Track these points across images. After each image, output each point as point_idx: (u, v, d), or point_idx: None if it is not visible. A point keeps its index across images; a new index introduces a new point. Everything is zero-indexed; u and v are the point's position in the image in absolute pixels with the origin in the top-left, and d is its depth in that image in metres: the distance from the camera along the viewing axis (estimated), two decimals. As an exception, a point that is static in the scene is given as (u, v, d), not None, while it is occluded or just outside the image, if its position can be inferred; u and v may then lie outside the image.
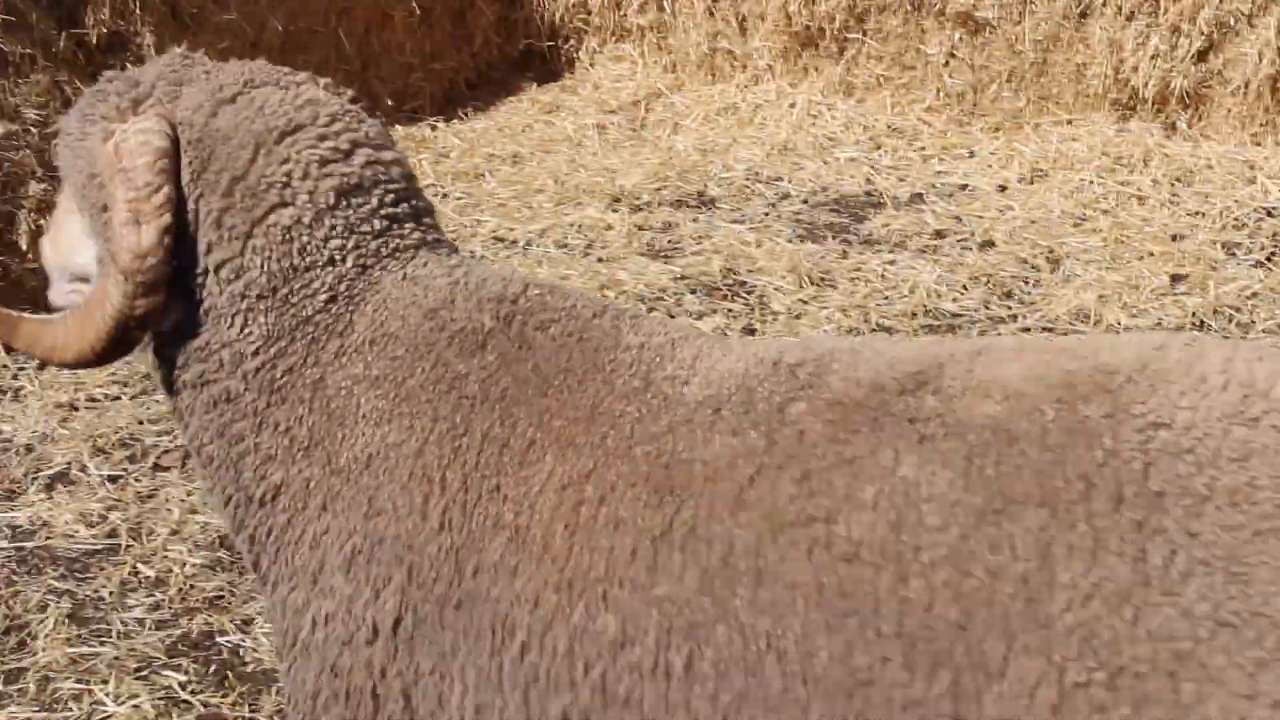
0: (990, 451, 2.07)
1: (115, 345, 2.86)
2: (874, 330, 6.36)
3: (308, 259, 2.77)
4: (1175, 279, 6.62)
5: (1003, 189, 7.89)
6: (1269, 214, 7.23)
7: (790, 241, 7.39)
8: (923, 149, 8.55)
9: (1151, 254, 6.87)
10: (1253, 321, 6.19)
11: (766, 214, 7.85)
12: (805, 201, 7.99)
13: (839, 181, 8.22)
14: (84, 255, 2.97)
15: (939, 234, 7.38)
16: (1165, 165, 7.85)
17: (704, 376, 2.45)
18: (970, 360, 2.23)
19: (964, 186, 7.98)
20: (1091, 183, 7.76)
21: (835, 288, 6.83)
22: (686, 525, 2.28)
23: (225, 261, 2.79)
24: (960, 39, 8.68)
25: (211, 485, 2.92)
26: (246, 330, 2.80)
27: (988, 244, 7.22)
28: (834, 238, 7.42)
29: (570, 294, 2.71)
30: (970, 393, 2.15)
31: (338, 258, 2.77)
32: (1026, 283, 6.75)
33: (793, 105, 9.19)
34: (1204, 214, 7.28)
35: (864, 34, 9.04)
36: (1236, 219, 7.21)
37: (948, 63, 8.78)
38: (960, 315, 6.47)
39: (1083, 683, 1.95)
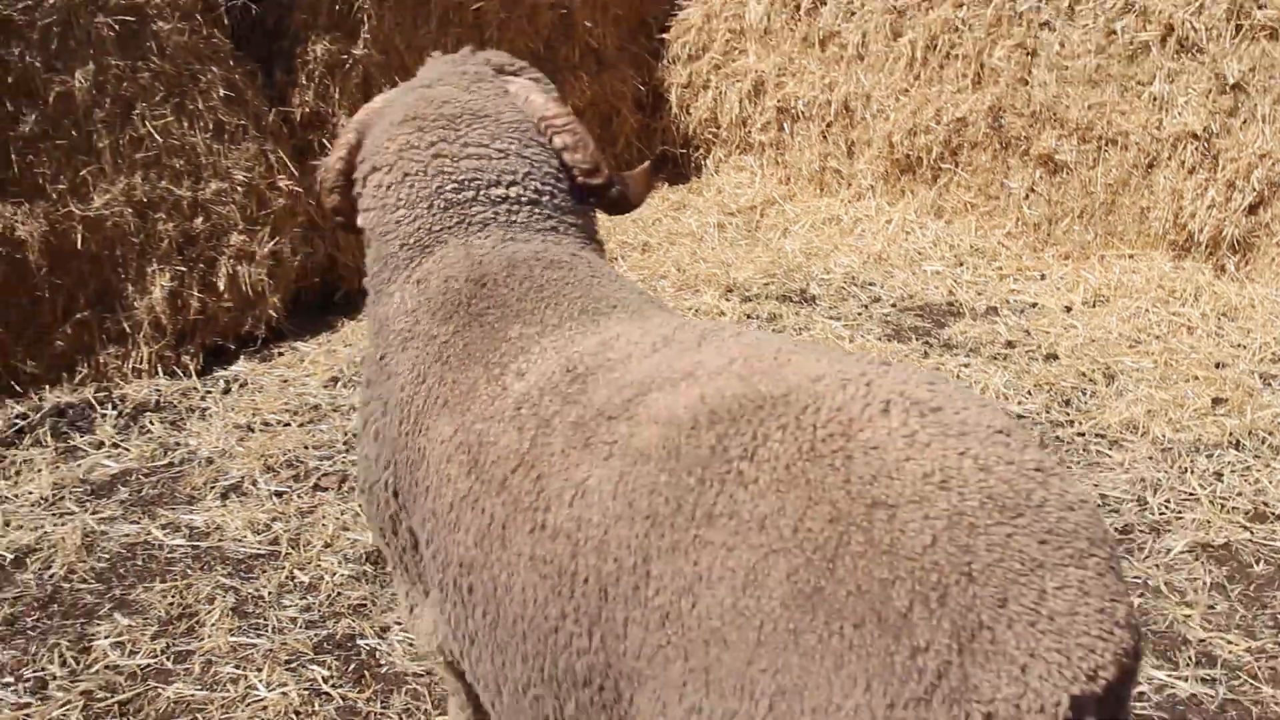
0: (634, 472, 2.34)
1: (331, 220, 3.74)
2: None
3: (387, 215, 3.31)
4: (1216, 402, 6.52)
5: (1068, 310, 7.82)
6: (1303, 352, 7.13)
7: (879, 340, 7.37)
8: (1000, 269, 8.49)
9: (1196, 378, 6.78)
10: (1283, 445, 6.10)
11: (859, 314, 7.83)
12: (894, 306, 7.97)
13: (925, 291, 8.19)
14: None
15: (1009, 344, 7.32)
16: (1213, 301, 7.74)
17: (531, 374, 2.79)
18: (673, 386, 2.48)
19: (1034, 305, 7.91)
20: (1147, 311, 7.67)
21: (915, 383, 6.77)
22: (474, 495, 2.68)
23: (359, 195, 3.43)
24: (1040, 177, 8.65)
25: None
26: (368, 249, 3.42)
27: (1052, 357, 7.14)
28: (917, 339, 7.39)
29: (510, 280, 3.05)
30: (649, 420, 2.41)
31: (404, 221, 3.26)
32: (1084, 393, 6.67)
33: (889, 221, 9.17)
34: (1245, 347, 7.18)
35: (956, 165, 9.03)
36: (1274, 353, 7.09)
37: (1028, 196, 8.74)
38: (1023, 417, 6.40)
39: (663, 644, 2.19)
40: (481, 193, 3.24)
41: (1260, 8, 7.74)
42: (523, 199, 3.27)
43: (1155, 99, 8.16)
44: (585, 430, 2.53)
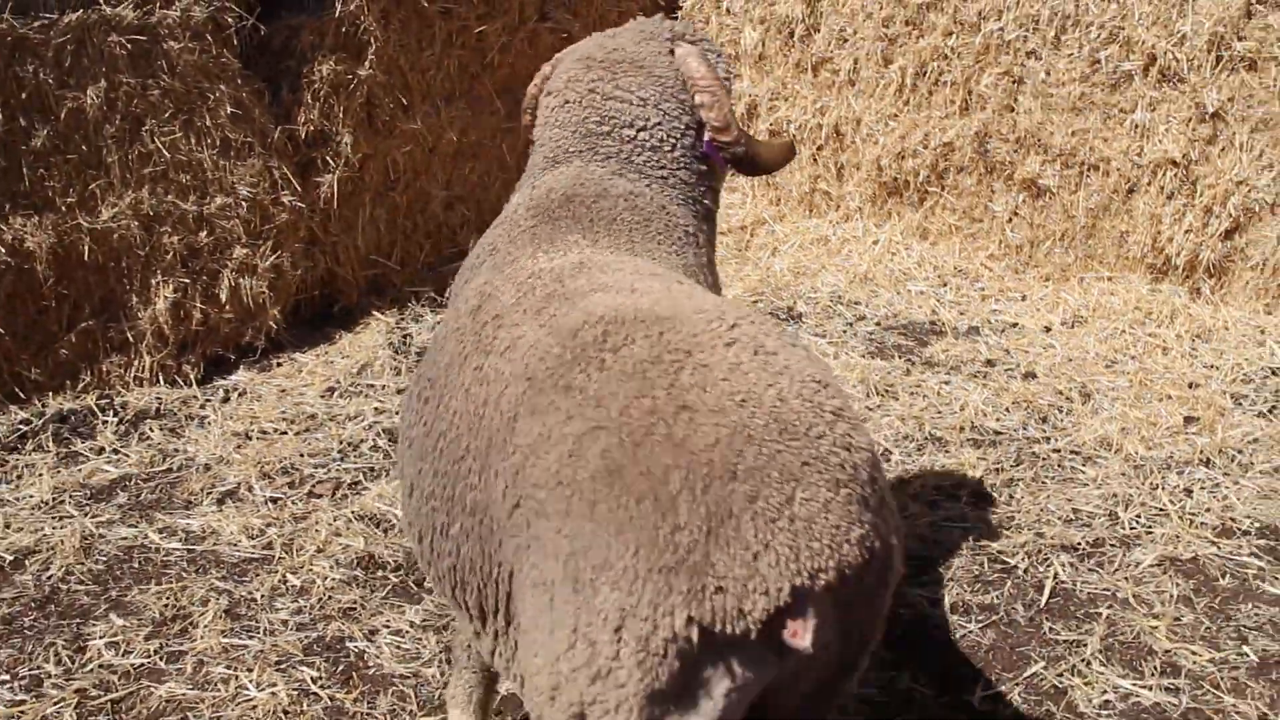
0: (543, 343, 2.70)
1: (526, 138, 4.11)
2: (928, 439, 6.33)
3: (545, 131, 3.80)
4: (1188, 420, 6.52)
5: (1047, 330, 7.80)
6: (1274, 373, 7.11)
7: (862, 357, 7.37)
8: (982, 290, 8.47)
9: (1170, 397, 6.78)
10: (1252, 463, 6.08)
11: (844, 331, 7.82)
12: (878, 324, 7.95)
13: (908, 310, 8.17)
14: None
15: (989, 363, 7.31)
16: (1188, 323, 7.72)
17: (551, 261, 3.15)
18: (616, 292, 2.82)
19: (1014, 325, 7.89)
20: (1123, 332, 7.66)
21: (897, 399, 6.79)
22: (463, 330, 3.03)
23: (538, 115, 3.98)
24: (1023, 201, 8.63)
25: None
26: (531, 157, 3.88)
27: (1030, 375, 7.13)
28: (900, 357, 7.38)
29: (595, 205, 3.46)
30: (581, 309, 2.74)
31: (553, 139, 3.74)
32: (1061, 411, 6.67)
33: (875, 242, 9.14)
34: (1218, 367, 7.17)
35: (942, 189, 9.01)
36: (1245, 374, 7.08)
37: (1010, 219, 8.73)
38: (1001, 433, 6.41)
39: (515, 504, 2.52)
40: (616, 130, 3.66)
41: (1240, 40, 7.74)
42: (647, 144, 3.65)
43: (1136, 127, 8.15)
44: (547, 301, 2.88)
